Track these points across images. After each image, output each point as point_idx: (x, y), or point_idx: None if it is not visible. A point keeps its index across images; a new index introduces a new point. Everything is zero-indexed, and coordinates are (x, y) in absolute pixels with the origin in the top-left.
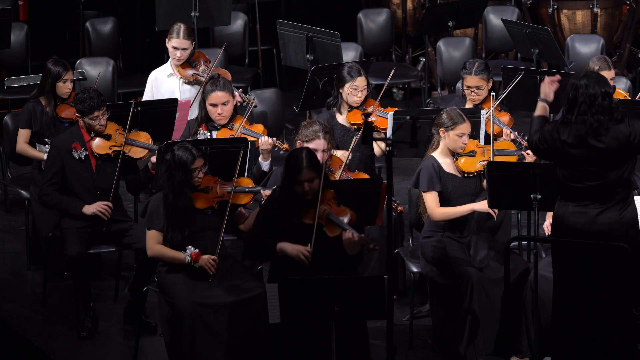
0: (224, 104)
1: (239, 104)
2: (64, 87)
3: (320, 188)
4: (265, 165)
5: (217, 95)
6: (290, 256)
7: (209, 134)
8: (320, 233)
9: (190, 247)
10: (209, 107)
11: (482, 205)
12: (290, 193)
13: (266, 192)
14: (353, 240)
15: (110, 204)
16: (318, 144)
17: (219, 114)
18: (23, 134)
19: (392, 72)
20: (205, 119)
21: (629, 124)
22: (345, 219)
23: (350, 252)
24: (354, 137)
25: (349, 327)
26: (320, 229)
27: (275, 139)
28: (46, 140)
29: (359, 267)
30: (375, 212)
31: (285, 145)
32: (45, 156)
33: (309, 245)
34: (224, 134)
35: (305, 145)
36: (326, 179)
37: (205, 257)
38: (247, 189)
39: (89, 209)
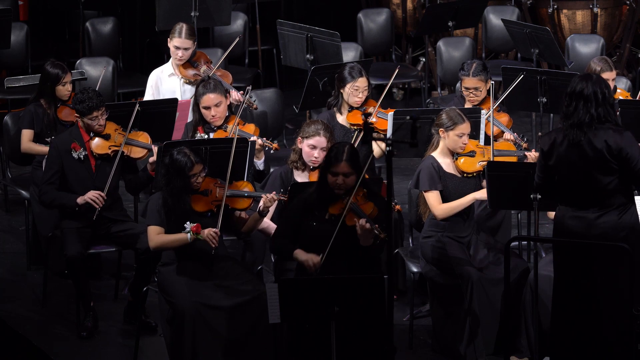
0: (216, 105)
1: (235, 102)
2: (64, 90)
3: (356, 186)
4: (259, 163)
5: (209, 98)
6: (300, 262)
7: (206, 136)
8: (344, 225)
9: (188, 222)
10: (202, 110)
11: (483, 194)
12: (325, 184)
13: (267, 196)
14: (365, 228)
15: (102, 194)
16: (318, 141)
17: (212, 116)
18: (26, 134)
19: (396, 71)
20: (200, 122)
21: (625, 138)
22: (367, 212)
23: (363, 243)
24: (355, 133)
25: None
26: (344, 219)
27: (264, 138)
28: (47, 139)
29: (382, 258)
30: None
31: (275, 145)
32: None
33: (322, 255)
34: (220, 135)
35: (306, 141)
36: (363, 179)
37: (207, 229)
38: (245, 194)
39: (81, 198)
